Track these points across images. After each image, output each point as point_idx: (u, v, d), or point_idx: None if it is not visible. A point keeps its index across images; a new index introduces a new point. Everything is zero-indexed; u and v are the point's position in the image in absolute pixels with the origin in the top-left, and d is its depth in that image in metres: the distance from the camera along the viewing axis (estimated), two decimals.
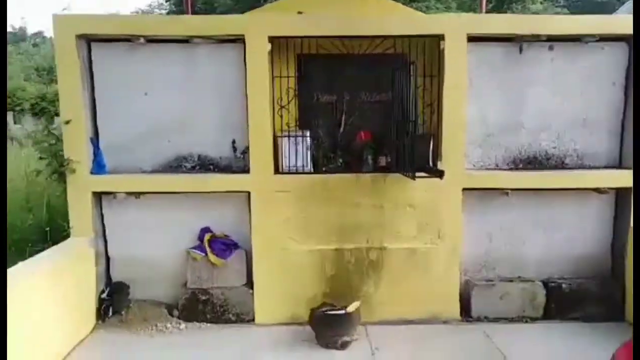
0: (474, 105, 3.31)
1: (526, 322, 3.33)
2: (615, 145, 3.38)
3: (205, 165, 3.45)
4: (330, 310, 3.05)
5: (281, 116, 3.33)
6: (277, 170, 3.32)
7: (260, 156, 3.24)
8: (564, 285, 3.35)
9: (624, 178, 3.26)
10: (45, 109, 13.14)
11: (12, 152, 6.57)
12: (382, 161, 3.38)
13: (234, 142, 3.41)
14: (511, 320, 3.34)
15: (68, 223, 3.32)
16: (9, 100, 11.77)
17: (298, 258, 3.30)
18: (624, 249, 3.33)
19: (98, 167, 3.32)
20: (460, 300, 3.37)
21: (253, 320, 3.34)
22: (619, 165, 3.37)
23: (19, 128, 10.43)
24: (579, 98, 3.36)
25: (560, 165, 3.38)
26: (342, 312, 2.99)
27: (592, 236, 3.45)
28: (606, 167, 3.38)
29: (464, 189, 3.29)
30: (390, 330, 3.24)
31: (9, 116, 10.88)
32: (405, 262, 3.32)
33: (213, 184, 3.28)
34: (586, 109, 3.36)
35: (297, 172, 3.30)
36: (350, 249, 3.32)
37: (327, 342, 2.96)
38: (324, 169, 3.37)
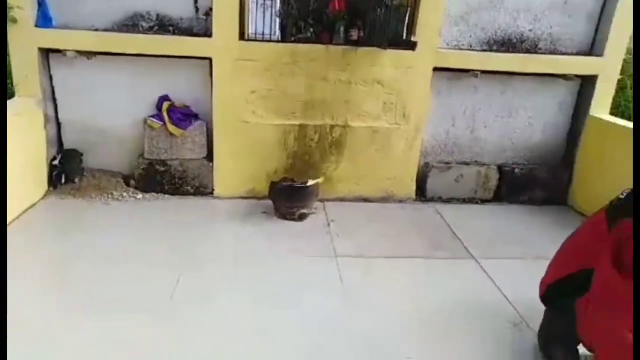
0: None
1: (477, 203, 3.51)
2: (590, 30, 3.30)
3: (164, 26, 3.13)
4: (289, 183, 3.07)
5: None
6: (242, 36, 3.07)
7: (224, 19, 2.96)
8: (516, 170, 3.48)
9: (592, 65, 3.26)
10: None
11: None
12: (355, 34, 3.17)
13: (196, 1, 3.09)
14: (463, 201, 3.51)
15: (12, 81, 3.04)
16: None
17: (260, 132, 3.22)
18: (579, 137, 3.44)
19: (44, 18, 2.96)
20: (417, 181, 3.46)
21: (212, 193, 3.33)
22: (590, 52, 3.33)
23: None
24: None
25: (534, 49, 3.30)
26: (301, 185, 3.01)
27: (551, 123, 3.52)
28: (577, 53, 3.33)
29: (435, 69, 3.19)
30: (347, 206, 3.34)
31: None
32: (367, 141, 3.31)
33: (172, 46, 3.02)
34: None
35: (264, 40, 3.07)
36: (314, 125, 3.25)
37: (285, 213, 3.02)
38: (292, 38, 3.14)
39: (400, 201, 3.46)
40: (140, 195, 3.26)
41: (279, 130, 3.23)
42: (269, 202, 3.14)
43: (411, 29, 3.07)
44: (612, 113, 4.05)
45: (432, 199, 3.50)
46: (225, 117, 3.16)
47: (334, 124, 3.26)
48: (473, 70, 3.21)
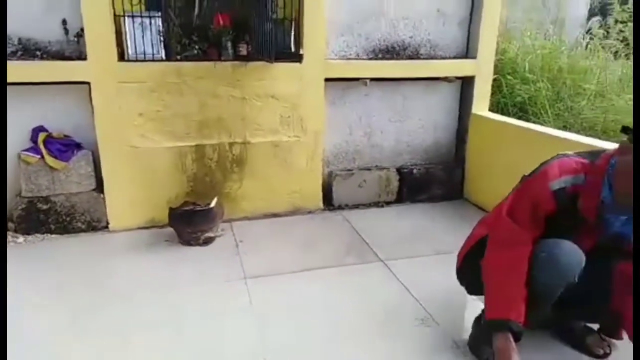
0: None
1: (382, 206, 3.61)
2: (463, 36, 3.56)
3: (29, 50, 2.84)
4: (191, 207, 2.93)
5: None
6: (122, 57, 2.89)
7: (98, 40, 2.76)
8: (414, 171, 3.64)
9: (468, 67, 3.52)
10: None
11: None
12: (244, 49, 3.13)
13: (64, 22, 2.85)
14: (369, 205, 3.59)
15: None
16: None
17: (154, 157, 3.04)
18: (466, 135, 3.69)
19: None
20: (323, 191, 3.48)
21: (107, 227, 3.08)
22: (466, 56, 3.60)
23: None
24: None
25: (416, 55, 3.49)
26: (202, 208, 2.89)
27: (440, 124, 3.73)
28: (455, 57, 3.58)
29: (326, 79, 3.24)
30: (255, 224, 3.26)
31: None
32: (269, 156, 3.26)
33: (42, 72, 2.75)
34: None
35: (146, 60, 2.90)
36: (211, 144, 3.14)
37: (189, 239, 2.87)
38: (178, 56, 3.02)
39: (309, 212, 3.45)
40: (21, 239, 2.92)
41: (174, 153, 3.07)
42: (172, 230, 2.97)
43: (298, 42, 3.10)
44: (494, 110, 4.43)
45: (339, 207, 3.54)
46: (112, 144, 2.94)
47: (232, 142, 3.18)
48: (362, 78, 3.32)
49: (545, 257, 1.60)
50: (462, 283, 2.02)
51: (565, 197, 1.60)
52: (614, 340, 1.94)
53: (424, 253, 2.84)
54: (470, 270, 1.82)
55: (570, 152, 1.71)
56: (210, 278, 2.54)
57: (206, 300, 2.32)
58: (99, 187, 3.05)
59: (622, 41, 4.70)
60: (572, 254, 1.62)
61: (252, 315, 2.21)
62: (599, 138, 3.19)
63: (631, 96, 3.80)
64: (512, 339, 1.60)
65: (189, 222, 2.83)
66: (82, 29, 2.77)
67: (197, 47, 3.03)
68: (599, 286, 1.69)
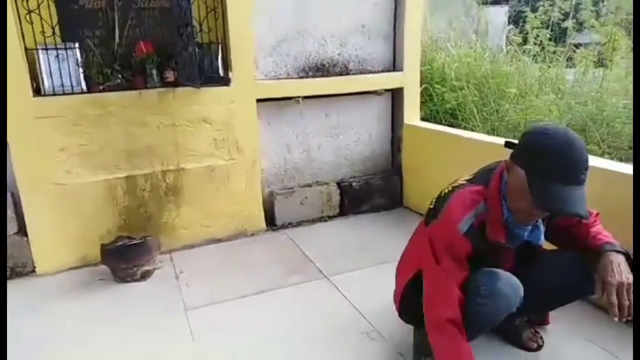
0: (262, 12, 3.19)
1: (325, 221, 3.61)
2: (389, 49, 3.68)
3: None
4: (124, 242, 2.80)
5: (31, 23, 2.69)
6: (38, 92, 2.75)
7: (9, 75, 2.60)
8: (354, 184, 3.69)
9: (396, 80, 3.63)
10: None
11: None
12: (170, 76, 3.07)
13: None
14: (312, 221, 3.59)
15: None
16: None
17: (81, 192, 2.89)
18: (400, 144, 3.79)
19: None
20: (265, 212, 3.45)
21: (34, 271, 2.88)
22: (393, 69, 3.71)
23: None
24: (358, 3, 3.50)
25: (345, 71, 3.56)
26: (135, 241, 2.77)
27: (376, 136, 3.81)
28: (383, 70, 3.68)
29: (258, 100, 3.23)
30: (197, 252, 3.17)
31: None
32: (206, 181, 3.20)
33: None
34: (364, 15, 3.53)
35: (65, 93, 2.78)
36: (143, 174, 3.03)
37: (124, 276, 2.74)
38: (101, 87, 2.91)
39: (252, 234, 3.40)
40: None
41: (103, 186, 2.94)
42: (106, 267, 2.82)
43: (227, 65, 3.08)
44: (427, 118, 4.59)
45: (283, 226, 3.52)
46: (33, 183, 2.77)
47: (165, 170, 3.08)
48: (295, 97, 3.34)
49: (486, 292, 1.62)
50: (408, 322, 2.02)
51: (475, 233, 1.61)
52: (543, 331, 2.04)
53: (367, 264, 2.86)
54: (410, 313, 1.82)
55: (462, 181, 1.73)
56: (149, 314, 2.43)
57: (145, 338, 2.22)
58: (22, 229, 2.86)
59: (539, 45, 5.02)
60: (510, 286, 1.65)
61: (193, 347, 2.14)
62: None
63: (548, 97, 4.07)
64: None
65: (123, 257, 2.70)
66: None
67: (120, 76, 2.94)
68: (539, 288, 1.76)
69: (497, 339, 2.05)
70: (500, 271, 1.67)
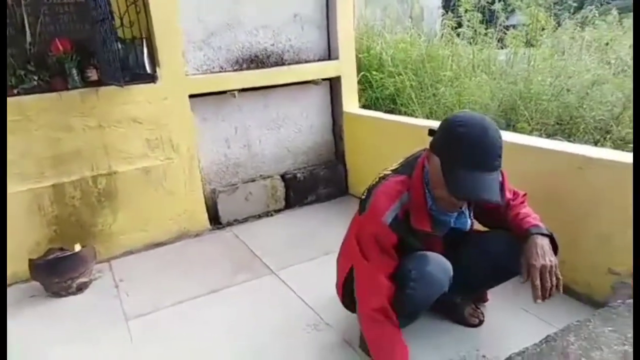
0: (189, 3, 3.06)
1: (271, 215, 3.56)
2: (323, 38, 3.64)
3: None
4: (55, 255, 2.63)
5: None
6: None
7: None
8: (298, 175, 3.66)
9: (332, 68, 3.61)
10: None
11: None
12: (93, 74, 2.89)
13: None
14: (258, 216, 3.53)
15: None
16: None
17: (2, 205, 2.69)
18: (342, 132, 3.79)
19: None
20: (208, 210, 3.35)
21: None
22: (329, 57, 3.68)
23: None
24: None
25: (280, 62, 3.50)
26: (68, 253, 2.61)
27: (317, 125, 3.78)
28: (319, 60, 3.65)
29: (191, 96, 3.12)
30: (138, 259, 3.03)
31: None
32: (141, 183, 3.06)
33: None
34: (296, 4, 3.47)
35: None
36: (72, 180, 2.86)
37: (58, 290, 2.57)
38: (15, 91, 2.70)
39: (196, 235, 3.30)
40: None
41: (27, 197, 2.74)
42: (37, 282, 2.65)
43: (154, 60, 2.94)
44: (367, 105, 4.63)
45: (228, 224, 3.43)
46: None
47: (96, 174, 2.92)
48: (230, 90, 3.24)
49: (416, 276, 1.64)
50: (352, 311, 2.01)
51: (399, 223, 1.63)
52: (483, 307, 2.11)
53: (314, 256, 2.85)
54: (353, 301, 1.82)
55: (388, 171, 1.76)
56: (88, 327, 2.31)
57: (84, 352, 2.11)
58: None
59: (472, 28, 5.16)
60: (440, 267, 1.69)
61: (135, 356, 2.06)
62: None
63: (481, 78, 4.20)
64: None
65: (54, 271, 2.54)
66: None
67: (36, 77, 2.73)
68: (477, 268, 1.82)
69: (439, 317, 2.10)
70: (429, 254, 1.71)
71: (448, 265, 1.71)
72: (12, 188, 2.69)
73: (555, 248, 1.66)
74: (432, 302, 1.72)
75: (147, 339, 2.19)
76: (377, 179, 1.75)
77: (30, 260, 2.60)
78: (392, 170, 1.75)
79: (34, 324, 2.39)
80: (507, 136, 2.14)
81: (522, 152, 2.26)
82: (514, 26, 5.31)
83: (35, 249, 2.77)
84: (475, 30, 5.04)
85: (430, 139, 1.64)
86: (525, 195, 1.86)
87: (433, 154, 1.59)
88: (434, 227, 1.70)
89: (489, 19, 5.29)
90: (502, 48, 5.11)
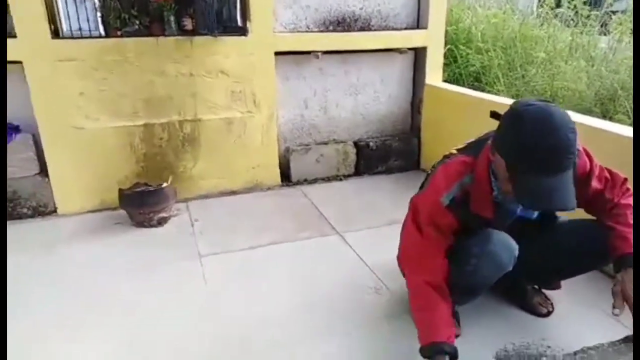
0: None
1: (340, 179, 3.61)
2: (413, 6, 3.54)
3: None
4: (142, 188, 2.85)
5: None
6: (56, 34, 2.74)
7: (27, 17, 2.59)
8: (371, 144, 3.65)
9: (420, 38, 3.51)
10: None
11: None
12: (188, 24, 3.02)
13: None
14: (327, 179, 3.59)
15: None
16: None
17: (100, 137, 2.93)
18: (421, 105, 3.71)
19: None
20: (280, 167, 3.46)
21: (55, 211, 2.98)
22: (417, 26, 3.58)
23: None
24: None
25: (367, 27, 3.45)
26: (153, 188, 2.81)
27: (395, 96, 3.73)
28: (406, 28, 3.56)
29: (277, 53, 3.17)
30: (212, 202, 3.21)
31: None
32: (223, 133, 3.20)
33: None
34: None
35: (83, 37, 2.77)
36: (161, 123, 3.05)
37: (141, 220, 2.80)
38: (118, 32, 2.89)
39: (267, 189, 3.43)
40: None
41: (121, 133, 2.97)
42: (123, 212, 2.89)
43: (245, 15, 3.01)
44: (450, 80, 4.47)
45: (298, 182, 3.53)
46: (53, 126, 2.81)
47: (183, 120, 3.09)
48: (314, 51, 3.26)
49: (478, 252, 1.58)
50: None
51: (458, 206, 1.56)
52: (554, 298, 2.03)
53: (379, 224, 2.87)
54: None
55: (454, 150, 1.67)
56: (164, 258, 2.50)
57: (160, 280, 2.29)
58: (44, 170, 2.92)
59: (572, 9, 4.78)
60: (504, 245, 1.60)
61: (206, 289, 2.21)
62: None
63: (578, 63, 3.90)
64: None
65: (140, 203, 2.76)
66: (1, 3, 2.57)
67: (138, 22, 2.91)
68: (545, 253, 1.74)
69: (506, 303, 2.05)
70: (494, 231, 1.61)
71: (513, 244, 1.61)
72: (109, 123, 2.93)
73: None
74: (493, 282, 1.65)
75: (217, 275, 2.34)
76: (441, 158, 1.70)
77: (120, 190, 2.84)
78: (457, 150, 1.67)
79: (117, 248, 2.61)
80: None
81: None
82: (621, 11, 4.85)
83: (123, 182, 3.01)
84: (577, 12, 4.66)
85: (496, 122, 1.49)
86: (626, 180, 1.64)
87: (496, 153, 1.45)
88: (497, 214, 1.60)
89: (593, 1, 4.87)
90: (604, 34, 4.69)
